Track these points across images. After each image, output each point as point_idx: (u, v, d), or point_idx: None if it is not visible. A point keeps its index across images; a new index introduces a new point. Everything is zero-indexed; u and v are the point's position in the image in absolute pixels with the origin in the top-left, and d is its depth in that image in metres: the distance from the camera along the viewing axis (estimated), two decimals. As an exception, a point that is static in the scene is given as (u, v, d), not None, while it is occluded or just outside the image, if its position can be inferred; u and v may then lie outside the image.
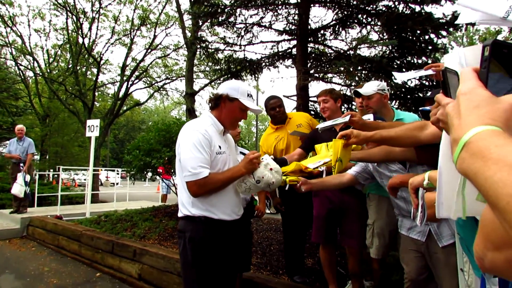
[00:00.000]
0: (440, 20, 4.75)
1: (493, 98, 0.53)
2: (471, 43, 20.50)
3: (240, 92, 2.21)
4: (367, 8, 5.50)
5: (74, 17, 15.15)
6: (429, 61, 5.14)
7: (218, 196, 2.15)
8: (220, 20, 6.42)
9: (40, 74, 17.11)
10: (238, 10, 6.22)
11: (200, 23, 7.79)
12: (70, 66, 16.96)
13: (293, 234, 3.89)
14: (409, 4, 5.14)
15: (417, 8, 5.08)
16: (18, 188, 7.28)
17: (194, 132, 2.11)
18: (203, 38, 7.58)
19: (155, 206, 7.38)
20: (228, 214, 2.19)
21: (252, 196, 3.58)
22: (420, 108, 2.35)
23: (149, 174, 7.35)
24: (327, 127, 2.58)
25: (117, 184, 17.94)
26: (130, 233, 5.55)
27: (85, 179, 19.15)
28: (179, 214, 2.22)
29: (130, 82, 16.46)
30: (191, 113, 8.89)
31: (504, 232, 0.48)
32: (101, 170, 17.75)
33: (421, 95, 4.90)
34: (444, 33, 4.98)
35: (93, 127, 7.58)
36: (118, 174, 17.22)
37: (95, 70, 16.93)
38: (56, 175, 15.24)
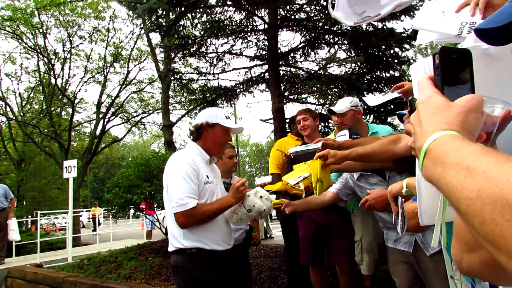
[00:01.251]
0: (402, 34, 4.96)
1: (447, 103, 0.55)
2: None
3: (218, 117, 2.25)
4: (332, 28, 5.69)
5: (45, 58, 15.05)
6: (397, 74, 5.31)
7: (209, 225, 2.11)
8: (191, 51, 6.49)
9: (13, 118, 16.74)
10: (208, 40, 6.32)
11: (172, 55, 7.83)
12: (44, 107, 16.69)
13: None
14: (371, 22, 5.35)
15: (379, 25, 5.31)
16: (14, 234, 7.29)
17: (181, 163, 2.10)
18: (176, 70, 7.62)
19: (140, 244, 7.15)
20: (219, 244, 2.15)
21: (250, 224, 3.53)
22: (397, 112, 2.40)
23: (132, 211, 7.16)
24: (299, 152, 2.58)
25: (99, 224, 17.37)
26: (115, 275, 5.32)
27: (66, 223, 18.51)
28: (170, 248, 2.15)
29: (106, 119, 16.27)
30: (169, 145, 8.82)
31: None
32: (98, 209, 17.27)
33: (392, 106, 5.03)
34: (407, 46, 5.20)
35: (70, 168, 7.38)
36: (100, 214, 16.73)
37: (70, 110, 16.71)
38: (34, 221, 14.66)
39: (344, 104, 2.89)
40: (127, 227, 17.98)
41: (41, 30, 14.54)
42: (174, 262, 2.14)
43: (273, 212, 2.62)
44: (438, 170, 0.47)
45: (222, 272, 2.15)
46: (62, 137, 15.73)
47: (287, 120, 5.45)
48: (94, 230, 16.54)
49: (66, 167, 7.44)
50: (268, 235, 11.15)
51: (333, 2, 2.21)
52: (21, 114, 17.43)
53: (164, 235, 7.33)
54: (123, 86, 16.37)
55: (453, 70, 0.59)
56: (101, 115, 16.02)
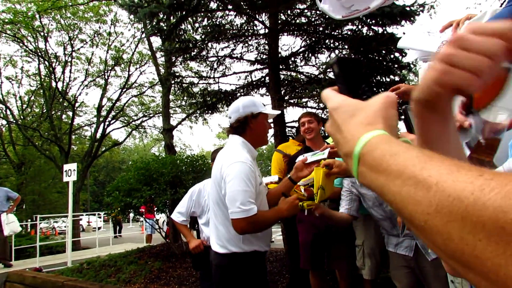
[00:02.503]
0: (403, 39, 4.97)
1: (362, 103, 0.52)
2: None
3: (259, 105, 2.13)
4: (333, 33, 5.71)
5: (46, 62, 15.07)
6: (397, 79, 5.33)
7: None
8: (192, 55, 6.51)
9: (14, 121, 16.76)
10: (209, 44, 6.34)
11: (173, 59, 7.86)
12: (44, 111, 16.70)
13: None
14: (372, 27, 5.38)
15: (380, 30, 5.33)
16: (11, 226, 7.26)
17: (240, 164, 1.95)
18: (177, 74, 7.66)
19: (139, 247, 7.14)
20: (268, 245, 2.17)
21: None
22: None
23: (132, 214, 7.16)
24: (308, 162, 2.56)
25: (99, 228, 17.31)
26: (114, 279, 5.31)
27: (65, 227, 18.46)
28: (222, 251, 2.03)
29: (107, 123, 16.29)
30: (170, 149, 8.82)
31: None
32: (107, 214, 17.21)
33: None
34: (407, 51, 5.20)
35: (70, 172, 7.38)
36: (100, 217, 16.69)
37: (70, 113, 16.74)
38: (34, 225, 14.65)
39: None
40: (127, 230, 17.96)
41: (42, 34, 14.57)
42: (226, 263, 2.04)
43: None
44: (380, 179, 0.42)
45: (265, 271, 2.22)
46: (62, 141, 15.72)
47: (291, 125, 5.45)
48: (115, 232, 16.61)
49: (66, 171, 7.43)
50: (268, 239, 11.13)
51: None
52: (22, 117, 17.44)
53: (164, 239, 7.32)
54: (124, 90, 16.40)
55: (353, 77, 0.61)
56: (101, 119, 16.04)
